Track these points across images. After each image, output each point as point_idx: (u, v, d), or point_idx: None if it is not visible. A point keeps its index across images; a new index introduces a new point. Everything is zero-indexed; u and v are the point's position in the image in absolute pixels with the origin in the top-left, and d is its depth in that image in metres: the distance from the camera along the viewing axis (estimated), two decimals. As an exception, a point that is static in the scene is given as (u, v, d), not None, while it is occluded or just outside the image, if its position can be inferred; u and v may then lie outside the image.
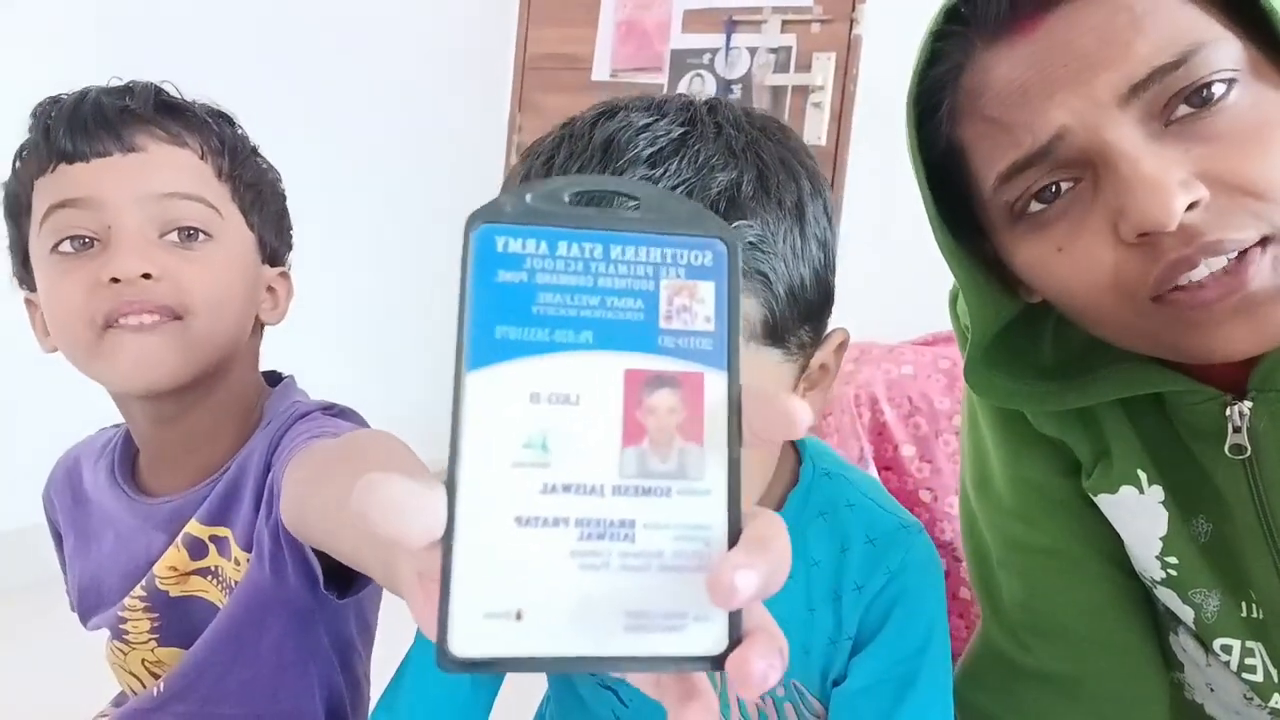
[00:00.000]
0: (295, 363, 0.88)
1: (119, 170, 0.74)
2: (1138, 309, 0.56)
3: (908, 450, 1.35)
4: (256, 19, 2.43)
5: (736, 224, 0.53)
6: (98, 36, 2.09)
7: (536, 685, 0.88)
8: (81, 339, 0.74)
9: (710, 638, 0.30)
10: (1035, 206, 0.58)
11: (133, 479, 0.85)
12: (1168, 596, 0.70)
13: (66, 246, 0.74)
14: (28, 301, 0.82)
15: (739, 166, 0.55)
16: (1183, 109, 0.53)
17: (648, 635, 0.30)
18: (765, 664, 0.29)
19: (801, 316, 0.57)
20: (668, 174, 0.53)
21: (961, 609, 1.14)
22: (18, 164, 0.78)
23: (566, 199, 0.32)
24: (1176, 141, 0.53)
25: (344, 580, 0.72)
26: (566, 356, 0.31)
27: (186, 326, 0.74)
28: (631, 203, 0.33)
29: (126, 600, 0.81)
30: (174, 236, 0.75)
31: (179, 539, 0.78)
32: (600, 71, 2.76)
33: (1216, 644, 0.68)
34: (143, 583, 0.80)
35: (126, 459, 0.86)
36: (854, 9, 2.39)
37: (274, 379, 0.87)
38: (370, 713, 0.73)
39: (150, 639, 0.82)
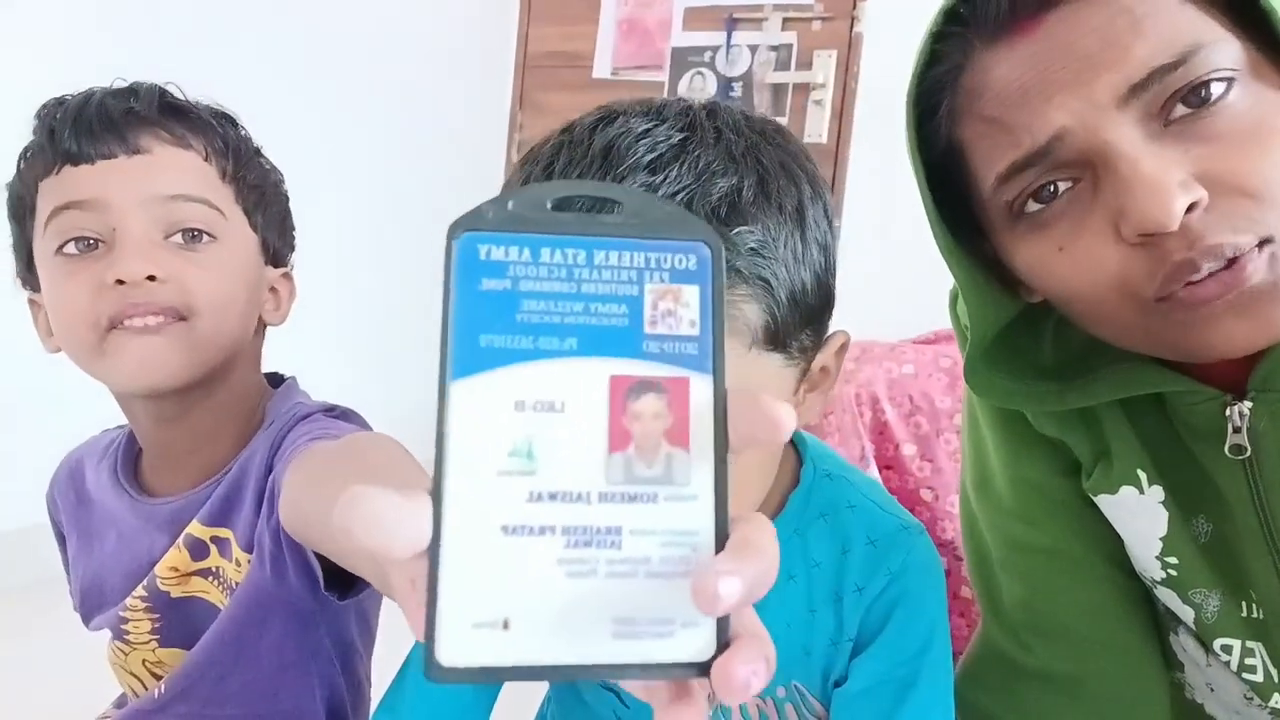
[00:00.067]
0: (296, 363, 0.88)
1: (124, 172, 0.74)
2: (1140, 308, 0.56)
3: (909, 449, 1.35)
4: (258, 20, 2.43)
5: (738, 230, 0.53)
6: (99, 37, 2.09)
7: (537, 686, 0.88)
8: (86, 340, 0.74)
9: (698, 644, 0.30)
10: (1033, 206, 0.58)
11: (135, 479, 0.85)
12: (1168, 596, 0.70)
13: (71, 248, 0.74)
14: (31, 302, 0.82)
15: (739, 172, 0.55)
16: (1181, 109, 0.53)
17: (635, 642, 0.29)
18: (748, 670, 0.29)
19: (803, 321, 0.57)
20: (668, 180, 0.53)
21: (963, 608, 1.14)
22: (22, 165, 0.78)
23: (549, 205, 0.32)
24: (1176, 142, 0.53)
25: (345, 582, 0.72)
26: (551, 364, 0.30)
27: (191, 328, 0.75)
28: (615, 208, 0.33)
29: (128, 601, 0.81)
30: (178, 238, 0.75)
31: (180, 540, 0.78)
32: (601, 69, 2.75)
33: (1217, 644, 0.68)
34: (144, 583, 0.80)
35: (129, 459, 0.86)
36: (855, 7, 2.38)
37: (276, 380, 0.87)
38: (371, 714, 0.73)
39: (151, 639, 0.82)
